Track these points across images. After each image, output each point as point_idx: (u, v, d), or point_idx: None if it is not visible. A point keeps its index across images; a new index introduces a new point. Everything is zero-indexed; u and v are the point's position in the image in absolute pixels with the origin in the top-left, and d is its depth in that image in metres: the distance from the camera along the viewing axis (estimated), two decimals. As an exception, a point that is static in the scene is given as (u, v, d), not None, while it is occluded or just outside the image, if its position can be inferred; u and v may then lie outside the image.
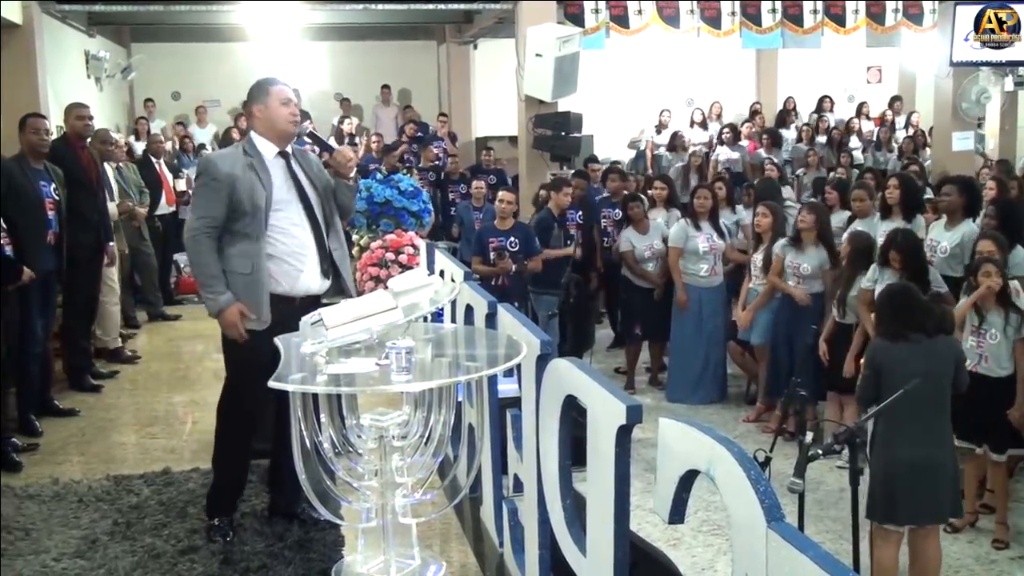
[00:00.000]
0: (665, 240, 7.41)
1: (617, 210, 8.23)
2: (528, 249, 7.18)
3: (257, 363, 3.68)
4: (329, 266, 3.92)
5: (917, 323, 4.18)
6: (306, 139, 4.38)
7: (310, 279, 3.87)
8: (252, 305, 3.75)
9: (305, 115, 14.03)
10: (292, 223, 3.82)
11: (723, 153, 12.56)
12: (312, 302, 3.85)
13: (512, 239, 7.16)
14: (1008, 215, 6.04)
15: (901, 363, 4.09)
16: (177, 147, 11.74)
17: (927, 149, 12.55)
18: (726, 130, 12.83)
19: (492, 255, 7.10)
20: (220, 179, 3.72)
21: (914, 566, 4.24)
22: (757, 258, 6.76)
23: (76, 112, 6.60)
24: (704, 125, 13.61)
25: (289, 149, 3.92)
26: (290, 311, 3.69)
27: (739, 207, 8.43)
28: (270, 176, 3.79)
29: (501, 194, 7.46)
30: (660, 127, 13.48)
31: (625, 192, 8.40)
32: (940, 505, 4.15)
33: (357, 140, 12.73)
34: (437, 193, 11.07)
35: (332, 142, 12.85)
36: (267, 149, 3.85)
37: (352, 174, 4.01)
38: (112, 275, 7.13)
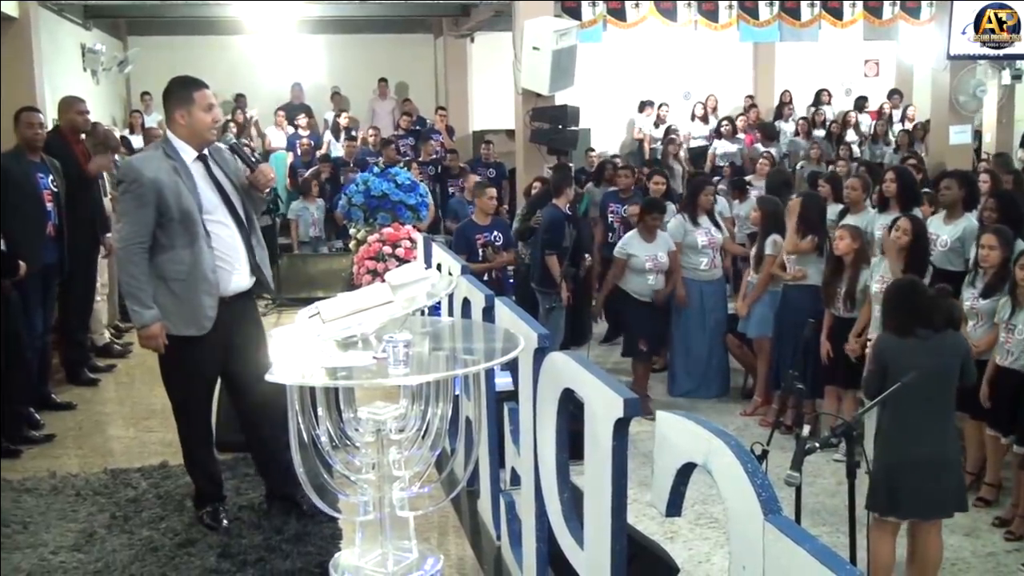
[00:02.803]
0: (671, 254, 6.95)
1: (625, 207, 8.17)
2: (507, 242, 7.31)
3: (199, 369, 3.71)
4: (255, 263, 3.92)
5: (924, 318, 4.17)
6: (225, 151, 4.03)
7: (240, 278, 3.88)
8: (189, 310, 3.73)
9: (306, 108, 13.88)
10: (222, 226, 3.80)
11: (721, 147, 12.57)
12: (242, 296, 3.91)
13: (495, 233, 7.20)
14: (1008, 207, 6.02)
15: (908, 358, 4.07)
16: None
17: (924, 142, 12.55)
18: (725, 123, 12.84)
19: (482, 251, 7.12)
20: (145, 184, 3.65)
21: (914, 559, 4.24)
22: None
23: (76, 107, 6.57)
24: (705, 119, 13.60)
25: (205, 151, 3.86)
26: (220, 310, 3.77)
27: (721, 199, 8.45)
28: (194, 181, 3.75)
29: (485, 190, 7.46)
30: (658, 121, 13.48)
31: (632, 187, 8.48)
32: (944, 500, 4.15)
33: (354, 133, 12.70)
34: (437, 187, 11.08)
35: (329, 135, 12.88)
36: (187, 153, 3.79)
37: (267, 191, 3.99)
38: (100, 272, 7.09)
